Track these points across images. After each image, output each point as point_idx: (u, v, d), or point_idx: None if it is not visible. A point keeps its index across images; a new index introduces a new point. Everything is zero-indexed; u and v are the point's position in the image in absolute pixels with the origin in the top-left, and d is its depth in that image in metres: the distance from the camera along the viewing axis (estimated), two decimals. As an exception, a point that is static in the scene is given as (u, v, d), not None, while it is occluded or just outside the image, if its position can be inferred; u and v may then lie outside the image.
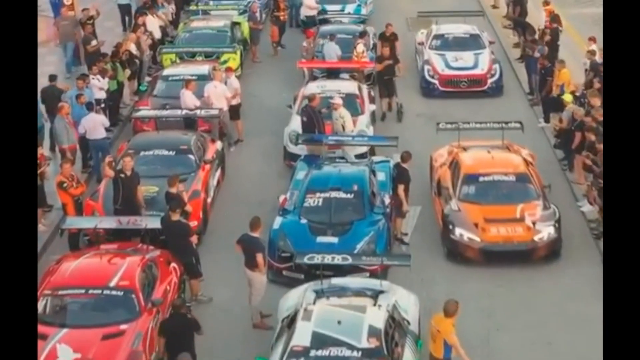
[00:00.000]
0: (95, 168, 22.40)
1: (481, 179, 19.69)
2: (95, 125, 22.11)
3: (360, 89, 25.19)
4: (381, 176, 20.49)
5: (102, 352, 14.48)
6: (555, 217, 19.01)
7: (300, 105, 24.07)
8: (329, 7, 33.96)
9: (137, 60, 27.33)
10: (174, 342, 14.69)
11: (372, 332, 14.21)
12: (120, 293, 15.52)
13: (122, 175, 18.69)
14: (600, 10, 25.07)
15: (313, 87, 24.90)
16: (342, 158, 21.93)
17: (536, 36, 27.88)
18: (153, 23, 30.22)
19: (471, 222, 18.79)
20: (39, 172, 18.72)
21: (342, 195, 19.05)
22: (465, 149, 20.97)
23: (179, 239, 17.14)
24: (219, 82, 24.43)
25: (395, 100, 26.05)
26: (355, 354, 13.78)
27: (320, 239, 18.28)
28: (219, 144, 22.80)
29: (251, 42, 31.60)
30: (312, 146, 21.91)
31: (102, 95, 24.11)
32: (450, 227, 18.94)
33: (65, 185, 18.74)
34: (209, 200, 20.75)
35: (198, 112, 23.11)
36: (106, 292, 15.54)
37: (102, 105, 23.92)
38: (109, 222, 17.92)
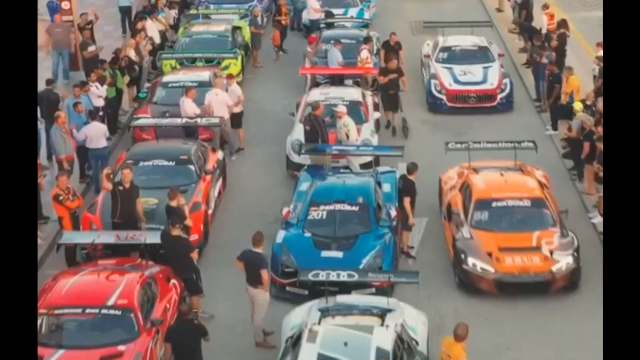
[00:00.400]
0: (94, 178, 21.87)
1: (494, 204, 18.65)
2: (98, 134, 21.62)
3: (364, 96, 24.66)
4: (387, 187, 19.95)
5: (99, 374, 13.95)
6: (574, 246, 17.94)
7: (303, 112, 23.55)
8: (332, 11, 33.29)
9: (136, 67, 26.78)
10: (180, 349, 14.50)
11: (380, 354, 13.70)
12: (118, 312, 14.99)
13: (121, 188, 18.16)
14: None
15: (316, 94, 24.37)
16: (347, 168, 21.43)
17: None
18: (153, 28, 29.69)
19: (484, 251, 17.71)
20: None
21: (347, 207, 18.52)
22: (476, 170, 19.95)
23: (179, 255, 16.62)
24: (220, 89, 23.89)
25: (401, 116, 25.13)
26: (362, 377, 13.28)
27: (325, 253, 17.76)
28: (220, 154, 22.28)
29: (252, 46, 31.06)
30: (315, 156, 21.35)
31: (100, 103, 23.57)
32: (462, 256, 17.83)
33: (61, 198, 18.21)
34: (210, 212, 20.22)
35: (199, 120, 22.54)
36: (104, 311, 15.00)
37: (101, 113, 23.39)
38: (107, 237, 17.38)
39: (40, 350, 14.04)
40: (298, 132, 22.84)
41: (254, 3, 34.18)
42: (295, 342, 14.57)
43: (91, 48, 27.27)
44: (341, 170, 20.77)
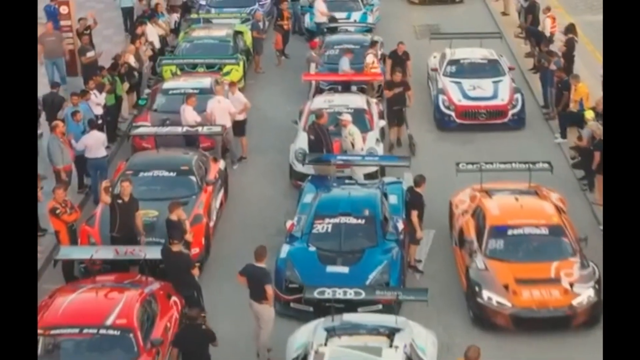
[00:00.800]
0: (93, 188, 21.37)
1: (510, 232, 17.52)
2: (97, 143, 21.13)
3: (369, 103, 24.11)
4: (393, 199, 19.40)
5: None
6: (595, 277, 16.83)
7: (307, 120, 23.02)
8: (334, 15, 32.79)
9: (136, 73, 26.26)
10: (189, 354, 14.35)
11: (389, 378, 13.18)
12: (117, 332, 14.45)
13: (120, 201, 17.64)
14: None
15: (320, 102, 23.83)
16: (351, 178, 20.91)
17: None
18: (153, 33, 29.17)
19: (500, 284, 16.64)
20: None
21: (353, 220, 18.00)
22: (489, 193, 18.91)
23: (180, 272, 16.10)
24: (222, 96, 23.38)
25: (407, 132, 24.12)
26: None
27: (330, 268, 17.24)
28: (221, 163, 21.74)
29: (254, 51, 30.53)
30: (320, 166, 20.82)
31: (99, 111, 23.06)
32: (477, 289, 16.77)
33: (58, 211, 17.69)
34: (211, 224, 19.69)
35: (200, 129, 22.00)
36: (102, 331, 14.45)
37: (100, 121, 22.88)
38: (106, 252, 16.84)
39: (36, 372, 13.55)
40: (301, 141, 22.31)
41: (256, 7, 33.66)
42: (300, 363, 14.09)
43: (90, 54, 26.75)
44: (346, 181, 20.25)
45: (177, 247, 16.10)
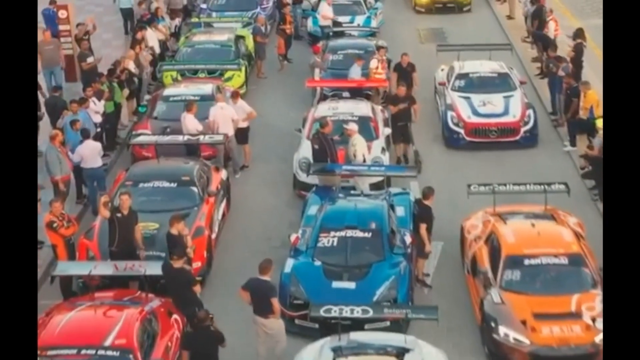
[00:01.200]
0: (91, 199, 20.85)
1: (527, 262, 16.39)
2: (93, 153, 20.57)
3: (374, 110, 23.56)
4: (400, 211, 18.83)
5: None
6: None
7: (311, 129, 22.49)
8: (337, 19, 32.20)
9: (136, 79, 25.73)
10: (198, 355, 14.17)
11: (399, 402, 12.65)
12: (116, 353, 13.87)
13: (119, 215, 17.09)
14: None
15: (324, 109, 23.29)
16: (355, 188, 20.39)
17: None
18: (153, 37, 28.65)
19: (518, 319, 15.56)
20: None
21: (359, 234, 17.44)
22: (503, 218, 17.76)
23: (181, 289, 15.56)
24: (224, 103, 22.87)
25: (412, 149, 23.17)
26: None
27: (336, 284, 16.70)
28: (223, 173, 21.19)
29: (256, 56, 29.99)
30: (324, 176, 20.30)
31: (98, 119, 22.54)
32: (493, 324, 15.71)
33: (55, 225, 17.15)
34: (213, 236, 19.16)
35: (201, 138, 21.46)
36: (101, 352, 13.88)
37: (98, 129, 22.36)
38: (105, 268, 16.29)
39: (32, 396, 12.99)
40: (305, 150, 21.79)
41: (258, 10, 33.21)
42: (306, 386, 13.56)
43: (90, 59, 26.24)
44: (352, 192, 19.70)
45: (178, 263, 15.57)
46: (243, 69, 27.78)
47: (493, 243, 17.21)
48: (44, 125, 23.06)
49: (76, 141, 20.56)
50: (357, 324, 15.45)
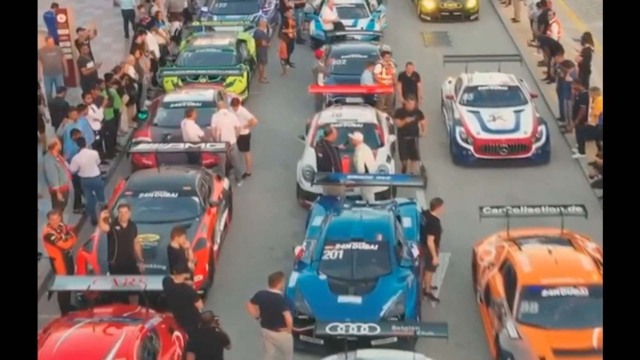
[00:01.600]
0: (89, 209, 20.40)
1: (545, 292, 15.31)
2: (90, 161, 20.11)
3: (378, 117, 23.07)
4: (407, 222, 18.35)
5: None
6: None
7: (314, 136, 22.03)
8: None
9: (135, 85, 25.26)
10: (203, 357, 14.08)
11: None
12: (115, 373, 13.49)
13: (118, 228, 16.61)
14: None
15: (327, 116, 22.81)
16: (360, 198, 19.93)
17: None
18: (153, 42, 28.18)
19: (536, 356, 14.50)
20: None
21: (365, 246, 16.95)
22: (518, 244, 16.69)
23: (182, 305, 15.10)
24: (227, 110, 22.41)
25: (419, 164, 22.23)
26: None
27: (342, 298, 16.22)
28: (225, 182, 20.71)
29: (259, 60, 29.51)
30: (329, 186, 19.84)
31: (97, 126, 22.08)
32: None
33: (53, 238, 16.68)
34: (215, 248, 18.70)
35: (203, 146, 20.99)
36: (99, 371, 13.50)
37: (97, 137, 21.90)
38: (104, 283, 15.80)
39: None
40: (309, 158, 21.32)
41: (259, 14, 32.75)
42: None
43: (89, 64, 25.77)
44: (357, 202, 19.22)
45: (179, 279, 15.11)
46: (245, 74, 27.30)
47: (508, 271, 16.19)
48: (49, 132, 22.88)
49: (74, 150, 20.09)
50: (364, 340, 14.95)
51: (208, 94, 24.38)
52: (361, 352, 14.26)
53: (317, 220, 18.41)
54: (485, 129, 23.13)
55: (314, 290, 16.43)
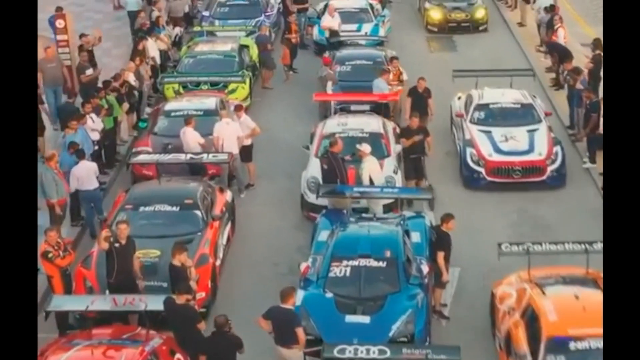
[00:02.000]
0: (88, 222, 19.86)
1: (573, 345, 13.84)
2: (89, 173, 19.57)
3: (385, 126, 22.48)
4: (416, 237, 17.75)
5: None
6: None
7: (319, 145, 21.48)
8: (343, 27, 31.05)
9: (136, 92, 24.70)
10: None
11: None
12: (115, 399, 12.95)
13: (117, 245, 16.05)
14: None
15: (332, 125, 22.24)
16: (367, 209, 19.38)
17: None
18: (154, 48, 27.62)
19: None
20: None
21: (373, 263, 16.34)
22: (541, 287, 15.25)
23: (184, 327, 14.55)
24: (230, 119, 21.87)
25: (426, 184, 21.29)
26: None
27: (349, 318, 15.64)
28: (228, 194, 20.14)
29: (264, 66, 28.85)
30: (335, 199, 19.28)
31: (95, 136, 21.53)
32: None
33: (50, 255, 16.13)
34: (218, 263, 18.13)
35: (205, 156, 20.42)
36: (98, 399, 12.96)
37: (96, 147, 21.34)
38: (103, 303, 15.22)
39: None
40: (313, 169, 20.77)
41: (262, 18, 32.17)
42: None
43: (88, 71, 25.17)
44: (364, 216, 18.66)
45: (181, 299, 14.55)
46: (247, 80, 26.74)
47: (531, 319, 14.76)
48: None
49: (71, 163, 19.49)
50: (372, 360, 14.46)
51: (210, 102, 23.85)
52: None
53: (322, 235, 17.84)
54: (498, 150, 21.99)
55: (320, 309, 15.86)
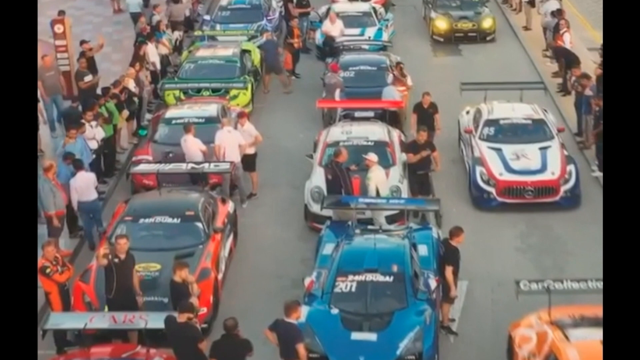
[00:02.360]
0: (87, 234, 19.42)
1: None
2: (88, 184, 19.11)
3: (390, 133, 22.02)
4: (423, 250, 17.26)
5: None
6: None
7: (323, 154, 21.03)
8: (346, 31, 30.62)
9: (136, 99, 24.24)
10: None
11: None
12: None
13: (116, 260, 15.57)
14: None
15: (337, 133, 21.77)
16: (372, 220, 18.94)
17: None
18: (154, 53, 27.16)
19: None
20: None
21: (380, 278, 15.85)
22: (563, 330, 14.14)
23: (186, 346, 14.04)
24: (231, 127, 21.43)
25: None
26: None
27: (356, 335, 15.16)
28: (230, 205, 19.66)
29: (270, 71, 28.34)
30: (339, 210, 18.82)
31: (94, 145, 21.09)
32: None
33: (48, 271, 15.66)
34: (220, 277, 17.66)
35: (206, 166, 19.97)
36: (97, 422, 12.51)
37: (94, 156, 20.88)
38: (101, 321, 14.74)
39: None
40: (317, 178, 20.32)
41: (264, 22, 31.73)
42: None
43: (87, 78, 24.73)
44: (369, 228, 18.19)
45: (183, 318, 14.09)
46: (249, 86, 26.28)
47: None
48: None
49: (67, 175, 19.02)
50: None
51: (211, 109, 23.39)
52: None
53: (327, 248, 17.38)
54: (509, 169, 20.98)
55: (325, 325, 15.39)
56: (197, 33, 30.89)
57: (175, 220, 17.98)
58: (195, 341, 14.06)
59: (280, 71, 28.30)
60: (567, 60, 26.68)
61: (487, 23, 32.67)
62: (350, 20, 31.31)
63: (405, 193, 20.20)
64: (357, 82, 25.41)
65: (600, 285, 14.53)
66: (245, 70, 27.27)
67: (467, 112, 23.63)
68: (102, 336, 15.26)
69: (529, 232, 20.11)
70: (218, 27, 31.47)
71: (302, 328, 15.26)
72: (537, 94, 24.67)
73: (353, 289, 15.82)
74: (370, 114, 23.77)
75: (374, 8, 32.70)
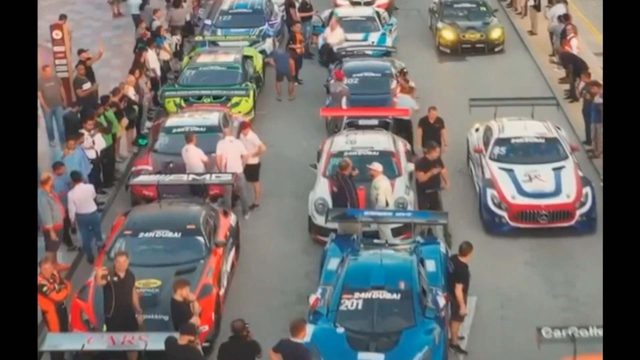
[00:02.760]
0: (86, 247, 18.94)
1: None
2: (86, 196, 18.63)
3: (395, 143, 21.54)
4: (431, 265, 16.75)
5: None
6: None
7: (327, 164, 20.56)
8: (349, 36, 30.12)
9: (135, 107, 23.75)
10: None
11: None
12: None
13: (115, 279, 15.08)
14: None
15: (341, 143, 21.29)
16: (377, 233, 18.47)
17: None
18: (154, 59, 26.68)
19: None
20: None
21: (387, 296, 15.36)
22: None
23: (187, 368, 13.64)
24: (233, 137, 20.97)
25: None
26: None
27: (362, 355, 14.66)
28: (232, 218, 19.17)
29: (281, 78, 27.84)
30: (345, 223, 18.34)
31: (92, 155, 20.62)
32: None
33: (45, 289, 15.16)
34: (221, 292, 17.18)
35: (207, 177, 19.48)
36: None
37: (91, 165, 20.40)
38: (99, 342, 14.29)
39: None
40: (321, 189, 19.86)
41: (265, 27, 31.24)
42: None
43: (86, 85, 24.23)
44: (375, 242, 17.71)
45: (184, 340, 13.61)
46: (251, 93, 25.80)
47: None
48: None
49: (61, 187, 18.53)
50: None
51: (213, 117, 22.92)
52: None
53: (332, 263, 16.86)
54: (522, 192, 19.89)
55: (331, 345, 14.89)
56: (198, 38, 30.43)
57: (176, 235, 17.50)
58: (196, 364, 13.61)
59: (291, 78, 27.81)
60: (575, 66, 26.21)
61: (495, 34, 31.46)
62: (353, 25, 30.82)
63: (411, 205, 19.71)
64: (361, 89, 24.92)
65: None
66: (247, 77, 26.79)
67: (477, 130, 22.64)
68: (101, 357, 14.82)
69: (539, 245, 19.60)
70: (219, 32, 30.96)
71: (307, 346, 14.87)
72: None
73: (359, 307, 15.34)
74: (375, 122, 23.31)
75: (377, 12, 32.21)
